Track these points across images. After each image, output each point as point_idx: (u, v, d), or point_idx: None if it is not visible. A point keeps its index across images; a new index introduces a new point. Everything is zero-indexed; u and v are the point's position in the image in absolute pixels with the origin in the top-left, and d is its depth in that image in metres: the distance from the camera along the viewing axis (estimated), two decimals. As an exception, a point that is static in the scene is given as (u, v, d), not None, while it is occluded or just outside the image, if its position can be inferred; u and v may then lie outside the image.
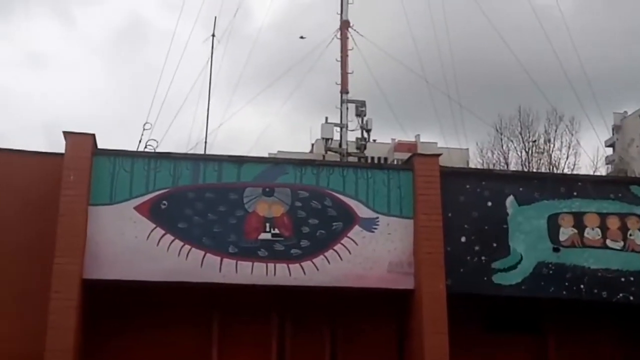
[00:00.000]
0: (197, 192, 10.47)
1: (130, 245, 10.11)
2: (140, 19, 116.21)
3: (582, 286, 10.82)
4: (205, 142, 21.44)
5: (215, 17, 23.49)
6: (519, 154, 42.90)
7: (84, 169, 10.21)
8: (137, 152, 11.15)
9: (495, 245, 10.84)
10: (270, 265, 10.31)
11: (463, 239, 10.81)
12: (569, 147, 42.32)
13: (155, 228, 10.22)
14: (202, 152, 18.26)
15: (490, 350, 11.22)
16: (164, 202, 10.36)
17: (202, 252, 10.22)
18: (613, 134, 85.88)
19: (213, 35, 23.36)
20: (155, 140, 12.32)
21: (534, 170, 38.35)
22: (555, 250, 10.90)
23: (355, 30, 24.30)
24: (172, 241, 10.20)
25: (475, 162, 45.65)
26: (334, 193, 10.72)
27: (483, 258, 10.78)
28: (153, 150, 11.62)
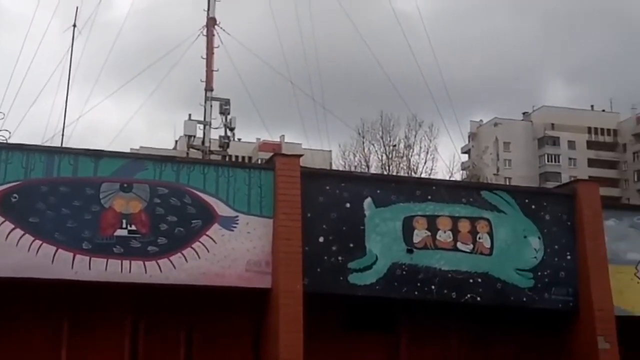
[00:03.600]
0: (51, 186, 10.10)
1: (-23, 240, 9.62)
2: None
3: (433, 287, 11.19)
4: (63, 135, 20.80)
5: (77, 7, 22.88)
6: (380, 157, 44.18)
7: None
8: (-14, 142, 10.61)
9: (352, 245, 11.04)
10: (126, 262, 10.08)
11: (321, 239, 10.95)
12: (427, 153, 44.02)
13: (3, 222, 9.78)
14: (59, 145, 17.67)
15: (346, 349, 11.41)
16: (15, 195, 9.93)
17: (54, 248, 9.86)
18: (469, 141, 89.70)
19: (74, 26, 22.71)
20: (7, 130, 11.78)
21: (394, 173, 39.51)
22: (409, 251, 11.22)
23: (221, 28, 24.29)
24: (22, 236, 9.80)
25: (337, 164, 46.61)
26: (193, 190, 10.60)
27: (340, 258, 10.95)
28: (5, 141, 11.12)
